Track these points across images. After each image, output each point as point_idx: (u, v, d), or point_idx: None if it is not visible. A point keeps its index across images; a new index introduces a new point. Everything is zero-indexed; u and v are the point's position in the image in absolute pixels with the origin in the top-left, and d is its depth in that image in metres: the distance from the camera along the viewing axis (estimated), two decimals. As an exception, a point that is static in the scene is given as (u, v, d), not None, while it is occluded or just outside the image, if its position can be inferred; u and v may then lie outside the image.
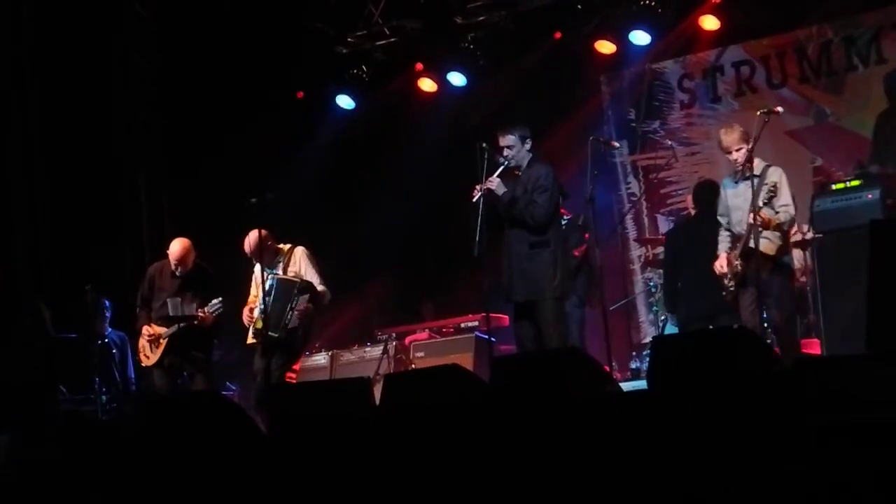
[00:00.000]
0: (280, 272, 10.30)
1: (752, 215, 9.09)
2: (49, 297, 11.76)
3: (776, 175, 9.29)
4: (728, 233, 9.50)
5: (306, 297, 10.17)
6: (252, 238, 10.19)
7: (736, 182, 9.48)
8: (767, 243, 9.20)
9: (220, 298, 10.40)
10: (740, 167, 9.37)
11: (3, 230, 12.49)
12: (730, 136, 9.49)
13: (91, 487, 6.12)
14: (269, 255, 10.29)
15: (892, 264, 5.70)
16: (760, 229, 9.10)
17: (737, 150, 9.38)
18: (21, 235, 12.53)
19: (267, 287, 10.07)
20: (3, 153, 12.63)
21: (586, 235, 11.29)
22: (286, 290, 10.19)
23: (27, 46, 12.66)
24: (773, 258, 9.23)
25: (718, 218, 9.62)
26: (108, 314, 12.01)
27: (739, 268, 9.25)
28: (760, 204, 9.07)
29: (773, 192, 9.15)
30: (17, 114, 12.70)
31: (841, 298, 9.28)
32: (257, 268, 10.19)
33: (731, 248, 9.40)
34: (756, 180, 9.24)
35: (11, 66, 12.66)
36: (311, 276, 10.33)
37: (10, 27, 12.65)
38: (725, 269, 9.37)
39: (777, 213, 9.19)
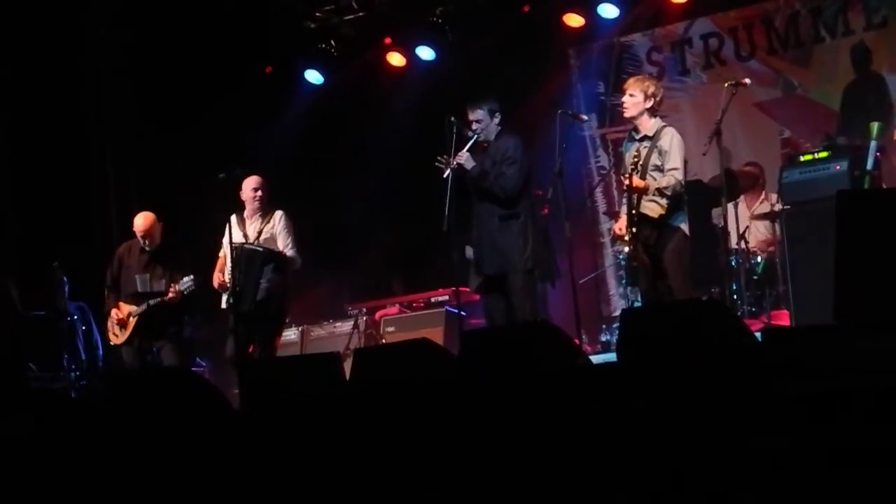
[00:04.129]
0: (255, 229, 10.32)
1: (625, 180, 9.08)
2: (17, 275, 11.73)
3: (667, 137, 9.15)
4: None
5: (271, 266, 10.16)
6: (251, 181, 10.30)
7: (632, 142, 9.41)
8: (653, 206, 9.07)
9: (192, 277, 10.37)
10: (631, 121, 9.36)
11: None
12: (632, 80, 9.54)
13: (63, 464, 6.10)
14: (258, 204, 10.37)
15: (858, 235, 5.71)
16: (634, 194, 9.04)
17: (630, 96, 9.32)
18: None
19: (234, 256, 10.03)
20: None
21: (545, 210, 11.26)
22: (251, 260, 10.17)
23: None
24: (657, 221, 9.08)
25: (622, 179, 9.52)
26: (66, 289, 11.92)
27: (632, 231, 9.12)
28: (646, 167, 9.04)
29: (663, 155, 9.09)
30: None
31: (809, 270, 9.33)
32: (229, 230, 10.15)
33: None
34: (648, 142, 9.22)
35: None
36: (284, 238, 10.32)
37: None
38: (623, 232, 9.28)
39: (664, 175, 9.09)
